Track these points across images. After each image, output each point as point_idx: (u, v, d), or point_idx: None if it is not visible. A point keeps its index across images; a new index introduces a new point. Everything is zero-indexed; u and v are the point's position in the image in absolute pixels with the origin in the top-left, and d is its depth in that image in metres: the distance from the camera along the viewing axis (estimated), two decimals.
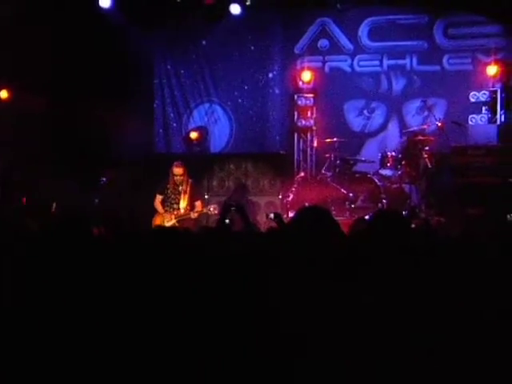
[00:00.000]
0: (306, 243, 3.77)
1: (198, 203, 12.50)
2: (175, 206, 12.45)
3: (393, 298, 3.51)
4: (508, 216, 11.79)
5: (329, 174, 14.24)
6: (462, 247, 4.62)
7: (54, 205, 12.77)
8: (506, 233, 5.07)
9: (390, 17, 15.10)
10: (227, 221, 13.30)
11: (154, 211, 12.55)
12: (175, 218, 12.30)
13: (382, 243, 3.86)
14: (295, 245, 3.81)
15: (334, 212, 13.57)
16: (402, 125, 15.10)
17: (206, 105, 16.28)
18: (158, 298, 3.88)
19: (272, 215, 11.88)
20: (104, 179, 13.78)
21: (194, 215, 12.31)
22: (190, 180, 12.55)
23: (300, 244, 3.79)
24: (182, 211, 12.38)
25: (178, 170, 12.42)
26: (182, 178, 12.42)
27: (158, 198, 12.55)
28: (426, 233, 6.19)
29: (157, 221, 12.36)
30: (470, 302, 3.51)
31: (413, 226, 7.44)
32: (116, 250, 4.54)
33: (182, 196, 12.43)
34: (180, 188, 12.45)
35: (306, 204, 13.51)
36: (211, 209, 12.49)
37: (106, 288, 4.01)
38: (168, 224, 12.07)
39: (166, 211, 12.43)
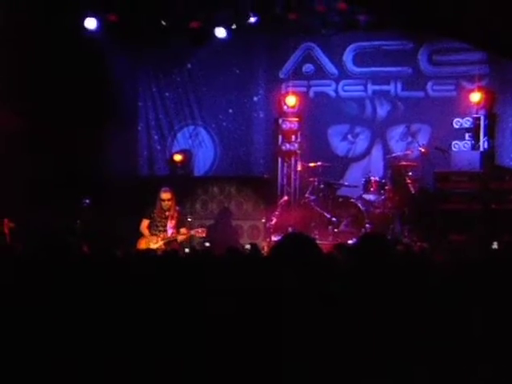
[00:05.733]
0: (289, 270, 3.74)
1: (184, 230, 12.46)
2: (161, 229, 12.40)
3: (377, 322, 3.49)
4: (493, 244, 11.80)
5: (312, 198, 14.24)
6: (447, 273, 4.61)
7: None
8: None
9: (375, 43, 15.15)
10: (207, 244, 13.32)
11: (140, 235, 12.49)
12: (162, 241, 12.25)
13: (368, 265, 3.85)
14: (277, 272, 3.78)
15: (317, 236, 13.58)
16: (386, 150, 15.12)
17: (191, 128, 16.28)
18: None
19: (248, 246, 11.88)
20: (87, 201, 13.71)
21: (180, 238, 12.30)
22: (177, 207, 12.54)
23: (282, 271, 3.76)
24: (168, 234, 12.35)
25: (165, 195, 12.38)
26: (169, 203, 12.38)
27: (145, 222, 12.49)
28: (409, 258, 6.18)
29: (141, 244, 12.29)
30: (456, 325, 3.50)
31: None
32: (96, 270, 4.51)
33: (169, 221, 12.38)
34: (167, 213, 12.41)
35: (290, 229, 13.54)
36: (199, 231, 12.50)
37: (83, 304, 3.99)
38: (154, 246, 12.01)
39: (152, 235, 12.38)
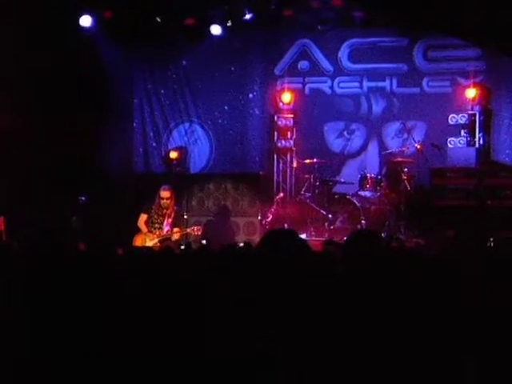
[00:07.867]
0: (273, 264, 3.74)
1: (177, 230, 12.49)
2: (157, 226, 12.44)
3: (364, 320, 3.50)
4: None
5: (308, 194, 14.25)
6: (441, 269, 4.61)
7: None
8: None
9: (371, 39, 15.14)
10: (204, 241, 13.33)
11: (137, 230, 12.52)
12: (157, 238, 12.28)
13: (359, 260, 3.86)
14: (263, 266, 3.78)
15: (312, 233, 13.61)
16: (382, 147, 15.13)
17: (186, 124, 16.27)
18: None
19: (242, 244, 11.89)
20: (83, 198, 13.71)
21: (175, 236, 12.33)
22: (175, 207, 12.58)
23: (267, 265, 3.76)
24: (164, 231, 12.37)
25: (165, 194, 12.44)
26: (168, 201, 12.44)
27: (143, 217, 12.55)
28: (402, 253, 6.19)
29: (137, 241, 12.31)
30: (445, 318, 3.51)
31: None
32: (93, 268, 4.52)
33: (166, 219, 12.42)
34: (165, 211, 12.45)
35: (286, 225, 13.57)
36: (195, 229, 12.55)
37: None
38: (150, 244, 12.05)
39: (148, 231, 12.42)
